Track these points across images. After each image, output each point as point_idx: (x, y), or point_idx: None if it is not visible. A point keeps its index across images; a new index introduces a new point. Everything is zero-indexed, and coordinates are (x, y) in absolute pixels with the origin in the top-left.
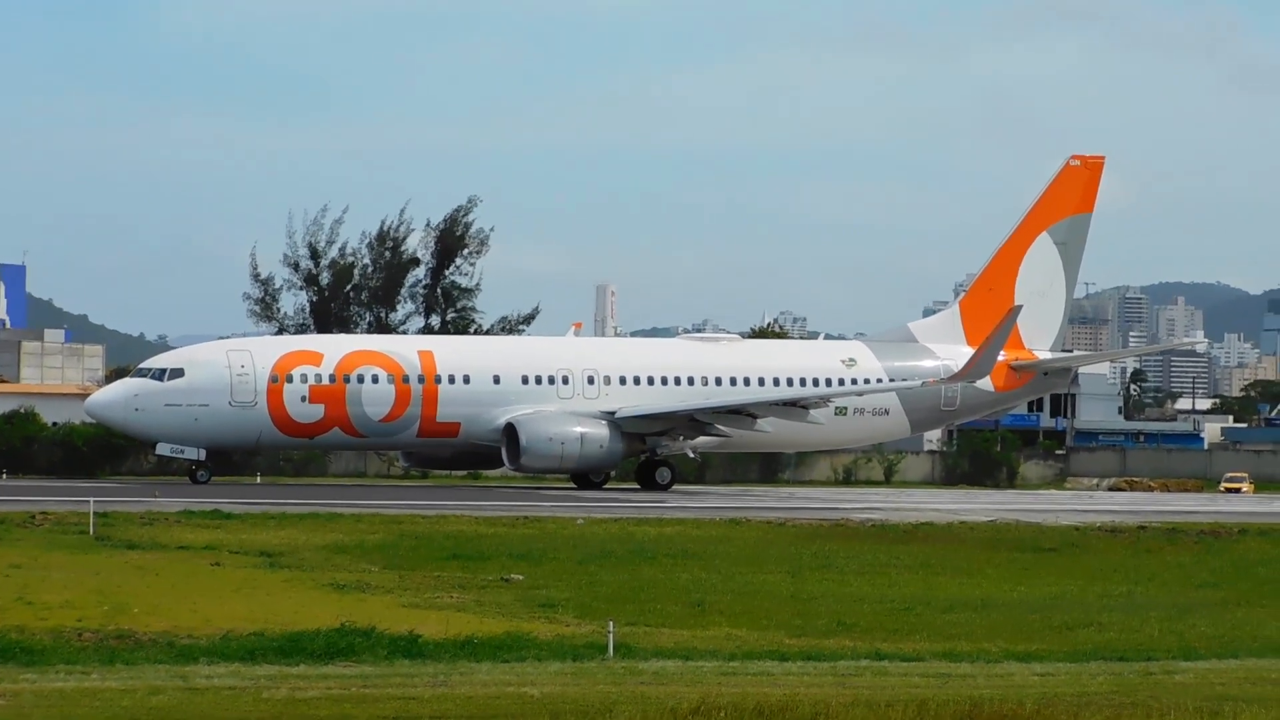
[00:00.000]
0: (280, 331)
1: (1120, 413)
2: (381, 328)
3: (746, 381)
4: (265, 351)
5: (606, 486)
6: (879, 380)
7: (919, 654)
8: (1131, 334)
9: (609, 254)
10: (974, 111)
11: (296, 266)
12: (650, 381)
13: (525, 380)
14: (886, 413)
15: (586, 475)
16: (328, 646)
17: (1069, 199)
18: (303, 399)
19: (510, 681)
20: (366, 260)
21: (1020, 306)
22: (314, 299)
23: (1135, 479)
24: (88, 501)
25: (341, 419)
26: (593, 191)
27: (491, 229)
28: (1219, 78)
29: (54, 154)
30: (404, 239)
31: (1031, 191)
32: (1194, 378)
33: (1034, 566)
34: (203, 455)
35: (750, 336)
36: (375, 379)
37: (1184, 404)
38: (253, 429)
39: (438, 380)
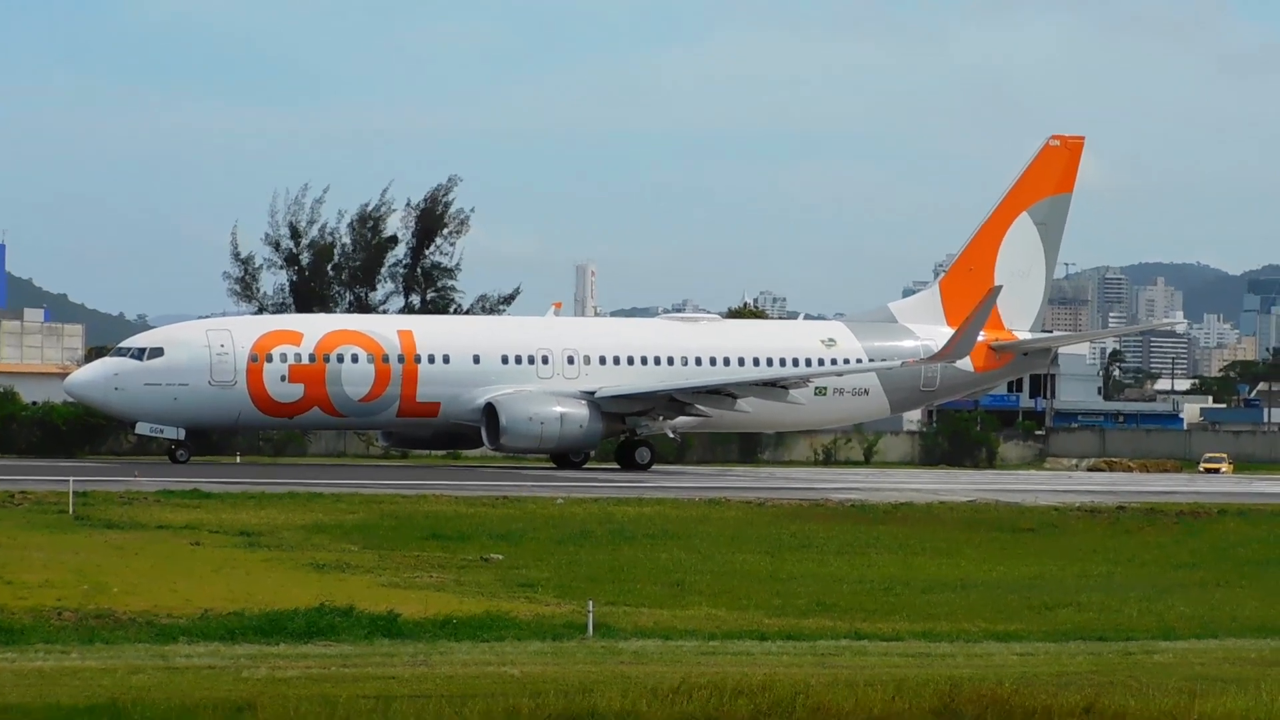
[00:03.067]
0: (260, 311)
1: (1100, 393)
2: (361, 307)
3: (726, 361)
4: (245, 331)
5: (586, 466)
6: (859, 360)
7: (898, 634)
8: (1111, 314)
9: (589, 234)
10: (954, 92)
11: (277, 246)
12: (630, 361)
13: (505, 360)
14: (866, 393)
15: (566, 455)
16: (307, 626)
17: (1049, 179)
18: (282, 378)
19: (490, 661)
20: (347, 240)
21: (1000, 287)
22: (294, 278)
23: (1114, 459)
24: (67, 481)
25: (321, 398)
26: (573, 172)
27: (472, 209)
28: (1200, 59)
29: (35, 133)
30: (384, 219)
31: (1011, 172)
32: (1173, 358)
33: (1013, 547)
34: (182, 435)
35: (729, 317)
36: (355, 359)
37: (1163, 385)
38: (232, 408)
39: (417, 360)
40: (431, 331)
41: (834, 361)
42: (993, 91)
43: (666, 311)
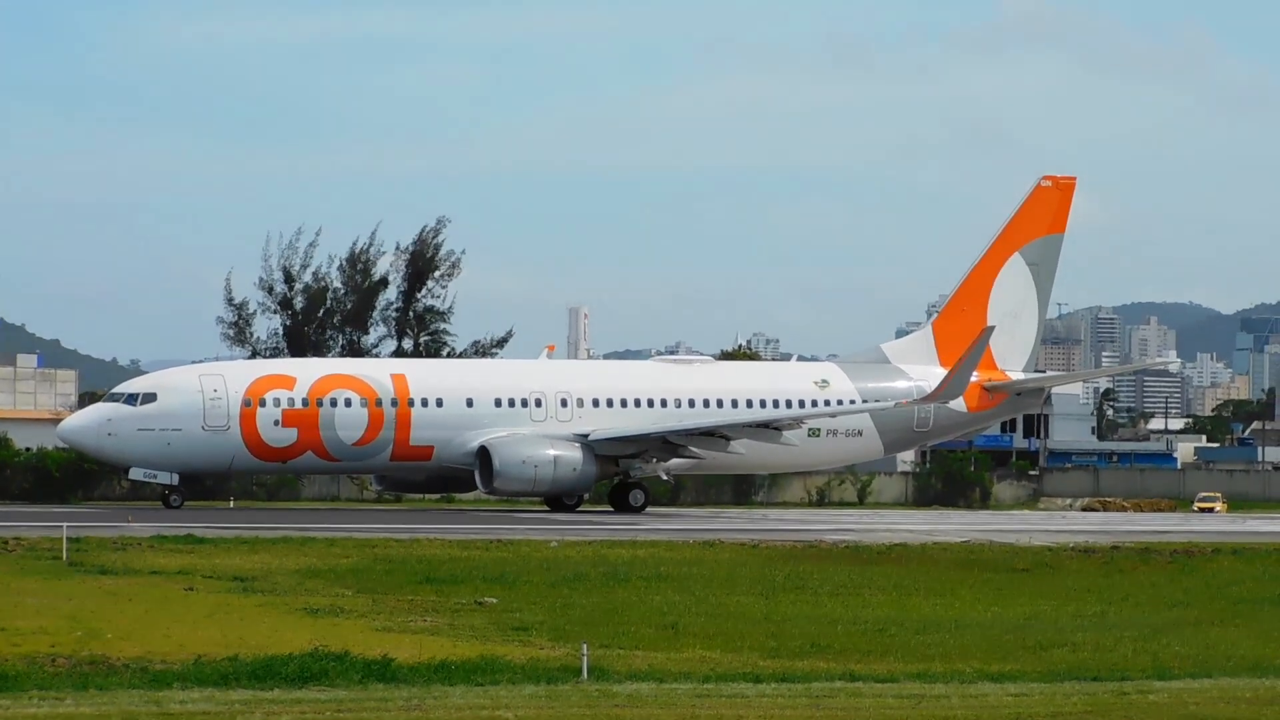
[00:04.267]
0: (253, 355)
1: (1093, 433)
2: (354, 351)
3: (719, 403)
4: (238, 375)
5: (580, 509)
6: (852, 401)
7: (893, 675)
8: (1104, 354)
9: (582, 276)
10: (947, 133)
11: (271, 290)
12: (623, 404)
13: (498, 403)
14: (859, 434)
15: (560, 498)
16: (301, 671)
17: (1041, 220)
18: (275, 423)
19: (484, 705)
20: (338, 283)
21: (993, 327)
22: (287, 323)
23: (1108, 499)
24: (60, 527)
25: (314, 443)
26: (566, 214)
27: (462, 251)
28: (1191, 99)
29: (26, 178)
30: (374, 261)
31: (1003, 212)
32: (1167, 398)
33: (1007, 587)
34: (175, 480)
35: (722, 358)
36: (348, 403)
37: (1157, 424)
38: (225, 453)
39: (411, 404)
40: (424, 375)
41: (827, 403)
42: (985, 132)
43: (659, 354)
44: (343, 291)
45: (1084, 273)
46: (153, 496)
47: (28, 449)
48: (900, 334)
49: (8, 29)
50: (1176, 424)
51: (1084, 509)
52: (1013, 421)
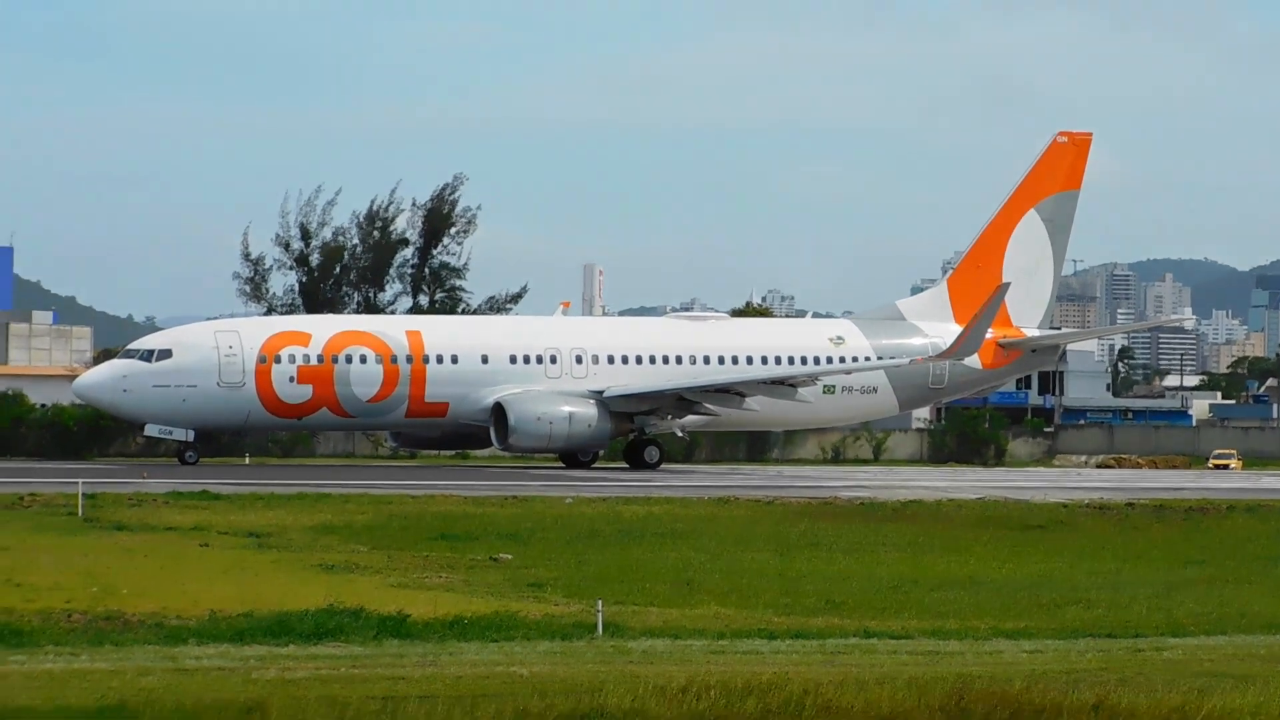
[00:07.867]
0: (269, 312)
1: (1108, 390)
2: (370, 308)
3: (734, 360)
4: (253, 332)
5: (595, 466)
6: (867, 358)
7: (907, 632)
8: (1119, 311)
9: (596, 233)
10: (962, 89)
11: (287, 246)
12: (638, 360)
13: (513, 360)
14: (874, 391)
15: (575, 455)
16: (316, 627)
17: (1056, 176)
18: (291, 379)
19: (499, 661)
20: (355, 240)
21: (1008, 284)
22: (303, 279)
23: (1123, 456)
24: (76, 483)
25: (330, 399)
26: (581, 171)
27: (478, 207)
28: (1209, 55)
29: (43, 134)
30: (393, 219)
31: (1019, 169)
32: (1182, 354)
33: (1022, 544)
34: (191, 436)
35: (737, 315)
36: (364, 359)
37: (1172, 381)
38: (241, 410)
39: (426, 360)
40: (439, 332)
41: (842, 360)
42: (1001, 87)
43: (674, 310)
44: (359, 248)
45: (1099, 229)
46: (168, 453)
47: (43, 405)
48: (915, 291)
49: None
50: (1191, 381)
51: (1099, 466)
52: (1028, 378)
